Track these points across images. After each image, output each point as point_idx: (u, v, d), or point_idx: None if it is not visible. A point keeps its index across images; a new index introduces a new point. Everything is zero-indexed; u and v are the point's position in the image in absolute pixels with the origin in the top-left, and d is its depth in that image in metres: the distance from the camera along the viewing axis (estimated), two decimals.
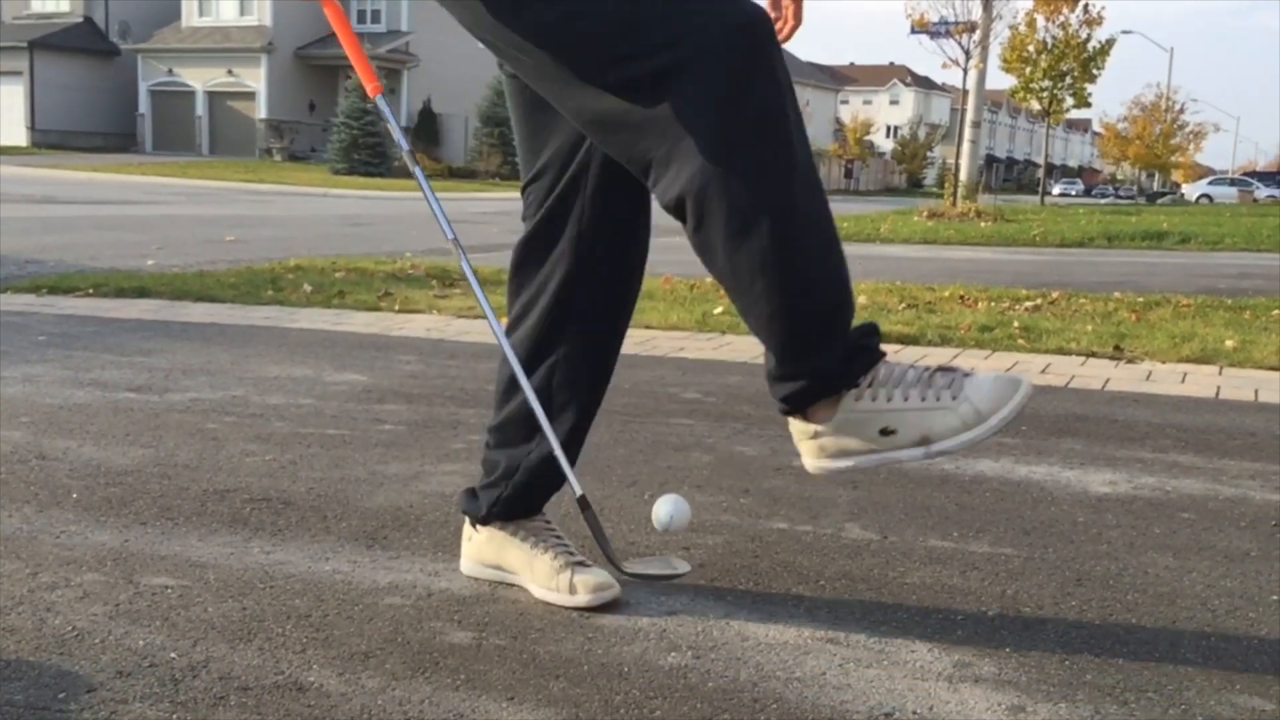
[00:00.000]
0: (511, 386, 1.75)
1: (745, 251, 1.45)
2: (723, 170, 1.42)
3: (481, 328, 4.69)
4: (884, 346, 1.60)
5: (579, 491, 1.64)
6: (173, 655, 1.54)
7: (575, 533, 2.07)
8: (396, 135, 1.79)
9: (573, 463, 1.73)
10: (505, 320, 1.78)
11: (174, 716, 1.38)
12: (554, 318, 1.71)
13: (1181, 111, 50.16)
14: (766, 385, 1.59)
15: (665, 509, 1.70)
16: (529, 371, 1.72)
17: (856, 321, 1.56)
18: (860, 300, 5.76)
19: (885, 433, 1.51)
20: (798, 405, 1.56)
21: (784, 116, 1.45)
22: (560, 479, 1.76)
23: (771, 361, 1.56)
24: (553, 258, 1.70)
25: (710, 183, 1.43)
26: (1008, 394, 1.49)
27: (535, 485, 1.78)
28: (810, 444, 1.58)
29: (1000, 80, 49.64)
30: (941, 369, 1.53)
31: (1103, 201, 48.45)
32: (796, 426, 1.59)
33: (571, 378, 1.73)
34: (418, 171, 1.76)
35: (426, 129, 38.30)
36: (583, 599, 1.73)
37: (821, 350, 1.52)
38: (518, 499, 1.78)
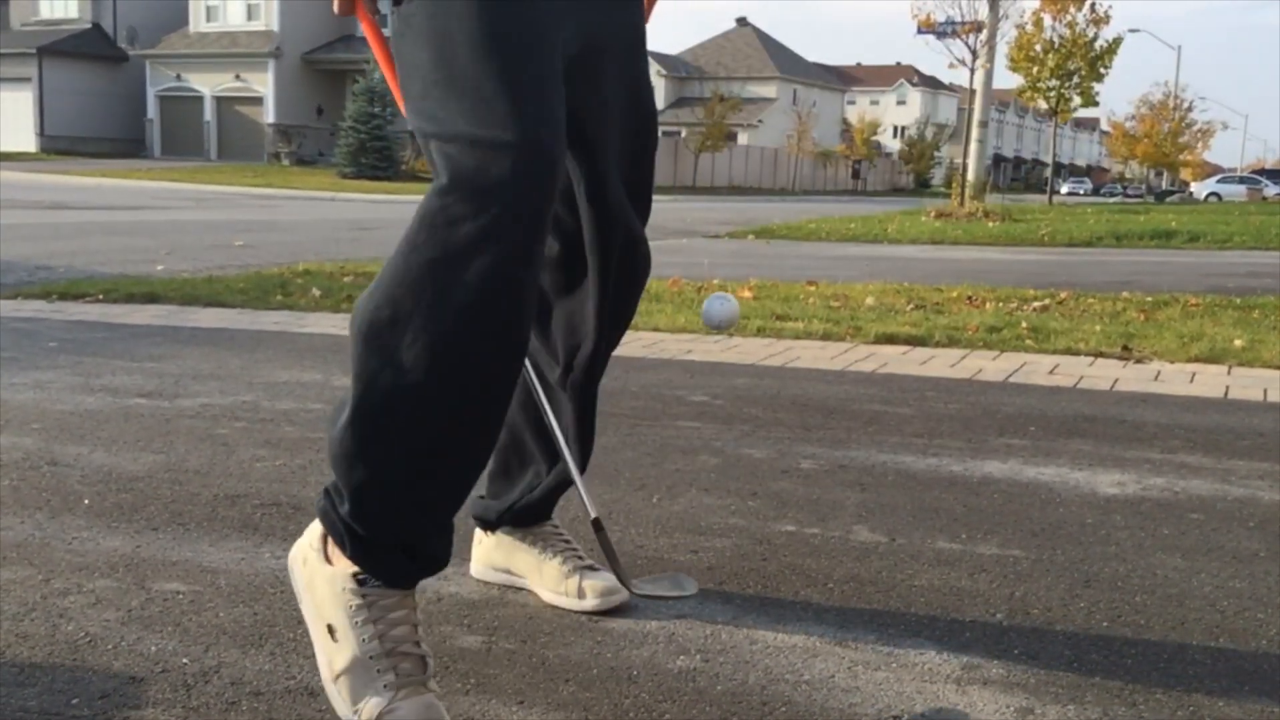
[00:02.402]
0: (526, 401, 1.75)
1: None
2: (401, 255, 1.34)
3: None
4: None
5: (593, 513, 1.63)
6: (185, 661, 1.55)
7: (583, 537, 2.08)
8: None
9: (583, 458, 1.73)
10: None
11: None
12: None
13: (1189, 110, 49.98)
14: None
15: (716, 314, 1.70)
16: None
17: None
18: (868, 301, 5.77)
19: (331, 631, 1.39)
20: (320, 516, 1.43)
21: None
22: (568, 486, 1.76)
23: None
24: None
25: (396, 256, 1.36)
26: None
27: (548, 498, 1.79)
28: (303, 566, 1.46)
29: (1007, 80, 49.64)
30: (422, 658, 1.38)
31: (1111, 200, 48.39)
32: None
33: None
34: None
35: None
36: (591, 603, 1.73)
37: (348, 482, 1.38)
38: (529, 510, 1.79)
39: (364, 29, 1.59)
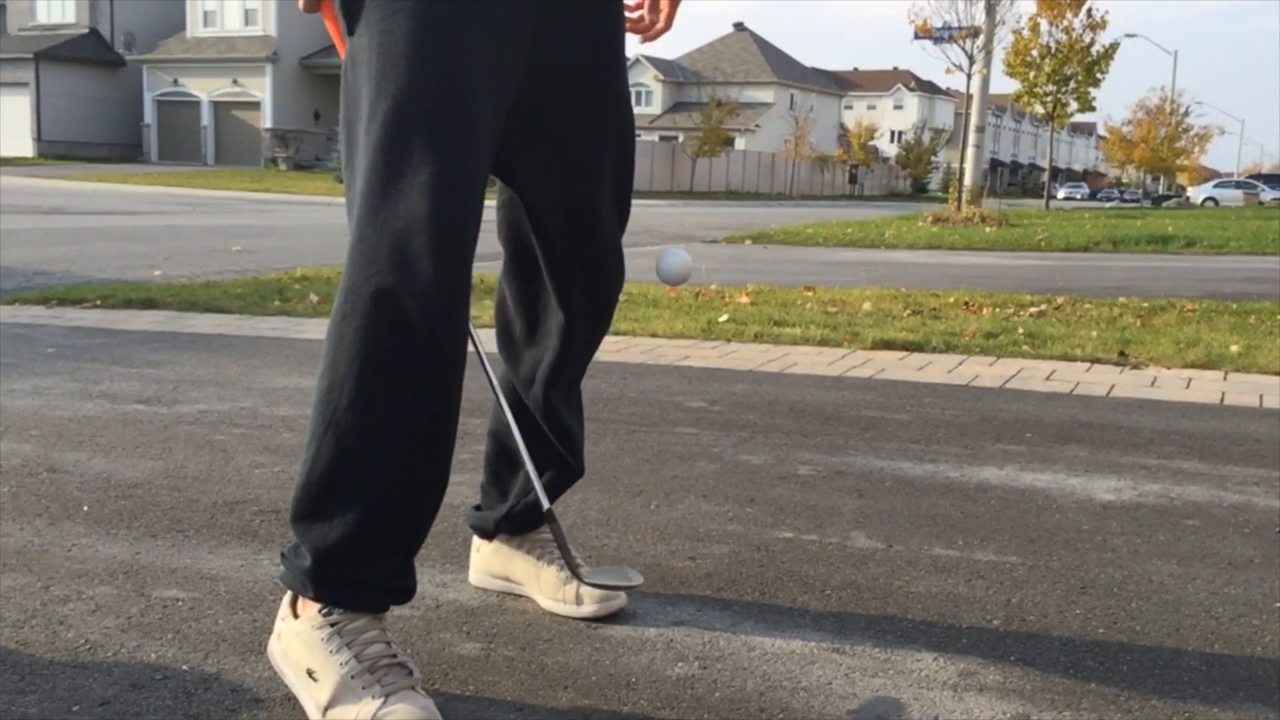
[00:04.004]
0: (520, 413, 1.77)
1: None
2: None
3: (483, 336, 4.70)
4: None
5: (547, 505, 1.66)
6: (184, 668, 1.55)
7: (582, 544, 2.09)
8: None
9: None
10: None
11: None
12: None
13: (1186, 114, 50.10)
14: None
15: (667, 267, 1.71)
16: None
17: None
18: (865, 307, 5.78)
19: (311, 674, 1.41)
20: (283, 577, 1.46)
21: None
22: (562, 490, 1.78)
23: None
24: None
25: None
26: None
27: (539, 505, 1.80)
28: (278, 641, 1.49)
29: (1004, 84, 49.78)
30: (404, 665, 1.41)
31: (1108, 205, 48.42)
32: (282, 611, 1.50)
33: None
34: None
35: None
36: (589, 609, 1.74)
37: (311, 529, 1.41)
38: (526, 515, 1.80)
39: (330, 32, 1.56)
